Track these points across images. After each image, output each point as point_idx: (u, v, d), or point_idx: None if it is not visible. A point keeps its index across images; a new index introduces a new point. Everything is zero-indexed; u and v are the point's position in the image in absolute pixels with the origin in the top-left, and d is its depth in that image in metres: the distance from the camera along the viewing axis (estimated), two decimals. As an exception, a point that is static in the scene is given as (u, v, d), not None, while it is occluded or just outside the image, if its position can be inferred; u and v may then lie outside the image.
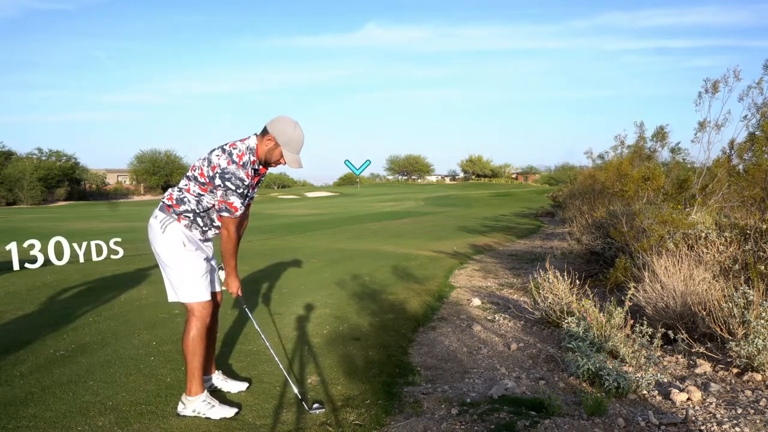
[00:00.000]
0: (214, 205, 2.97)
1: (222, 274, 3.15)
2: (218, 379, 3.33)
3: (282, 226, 18.71)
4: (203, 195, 2.94)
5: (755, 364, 3.53)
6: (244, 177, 2.85)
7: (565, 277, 5.14)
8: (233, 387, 3.32)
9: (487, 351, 4.40)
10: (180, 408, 2.97)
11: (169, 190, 3.05)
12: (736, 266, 4.98)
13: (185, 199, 2.96)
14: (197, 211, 2.97)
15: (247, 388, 3.35)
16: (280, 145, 2.92)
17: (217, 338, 3.44)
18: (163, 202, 3.01)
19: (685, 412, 3.01)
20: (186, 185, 2.97)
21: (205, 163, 2.90)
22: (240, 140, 2.94)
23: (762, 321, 3.62)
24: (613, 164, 9.92)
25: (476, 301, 6.12)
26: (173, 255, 2.93)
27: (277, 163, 3.00)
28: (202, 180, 2.90)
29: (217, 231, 3.10)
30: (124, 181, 74.13)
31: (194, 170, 2.94)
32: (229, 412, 2.96)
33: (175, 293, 3.00)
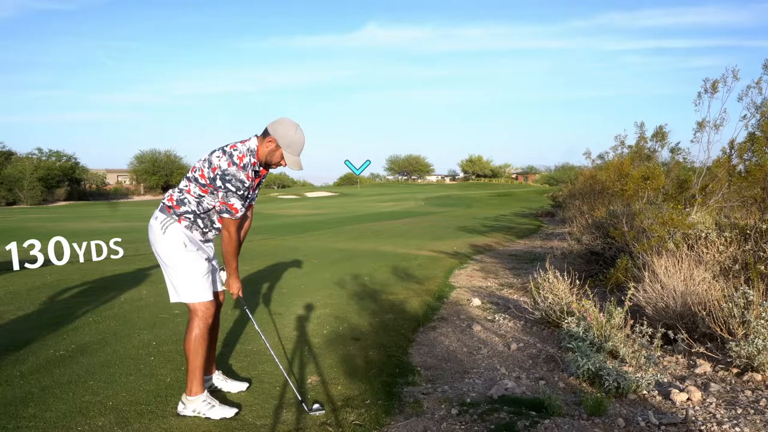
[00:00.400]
0: (214, 207, 2.97)
1: (223, 275, 3.15)
2: (218, 379, 3.33)
3: (282, 226, 18.70)
4: (204, 196, 2.94)
5: (755, 364, 3.53)
6: (245, 179, 2.86)
7: (565, 277, 5.14)
8: (233, 387, 3.32)
9: (487, 351, 4.40)
10: (180, 408, 2.97)
11: (170, 191, 3.05)
12: (736, 266, 4.98)
13: (186, 200, 2.96)
14: (198, 212, 2.97)
15: (247, 388, 3.35)
16: (281, 147, 2.92)
17: (218, 338, 3.43)
18: (164, 203, 3.01)
19: (685, 412, 3.01)
20: (186, 186, 2.97)
21: (206, 165, 2.90)
22: (240, 142, 2.94)
23: (762, 321, 3.62)
24: (613, 164, 9.91)
25: (476, 301, 6.12)
26: (174, 256, 2.93)
27: (278, 164, 3.00)
28: (203, 181, 2.90)
29: (217, 232, 3.10)
30: (124, 181, 74.09)
31: (194, 171, 2.94)
32: (229, 412, 2.96)
33: (176, 294, 3.00)
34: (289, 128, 2.91)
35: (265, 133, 2.94)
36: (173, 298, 3.02)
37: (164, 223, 2.95)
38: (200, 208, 2.96)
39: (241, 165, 2.85)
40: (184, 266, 2.93)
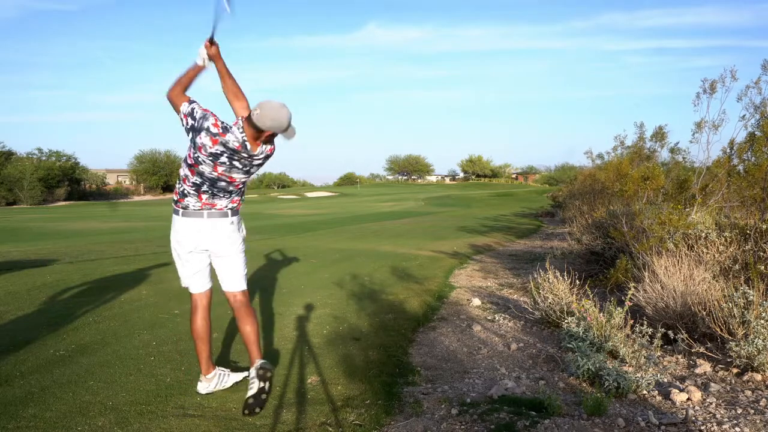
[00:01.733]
0: (199, 172, 2.96)
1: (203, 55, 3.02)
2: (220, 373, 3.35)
3: (282, 226, 18.70)
4: (183, 162, 3.04)
5: (755, 364, 3.53)
6: (210, 113, 2.92)
7: (565, 277, 5.13)
8: (234, 378, 3.38)
9: (487, 351, 4.40)
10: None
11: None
12: (736, 266, 4.98)
13: (177, 181, 3.11)
14: (188, 176, 3.00)
15: (246, 377, 3.34)
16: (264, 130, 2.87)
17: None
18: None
19: (685, 412, 3.01)
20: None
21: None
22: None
23: (762, 321, 3.62)
24: (612, 164, 9.91)
25: (476, 301, 6.12)
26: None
27: (267, 136, 2.92)
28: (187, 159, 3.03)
29: (220, 198, 3.06)
30: (124, 181, 74.16)
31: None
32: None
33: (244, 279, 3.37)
34: (270, 108, 2.81)
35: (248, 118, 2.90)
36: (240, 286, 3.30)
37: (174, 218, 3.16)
38: (183, 172, 3.05)
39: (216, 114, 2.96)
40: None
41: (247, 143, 2.89)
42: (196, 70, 3.02)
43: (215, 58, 3.03)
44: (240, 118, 2.95)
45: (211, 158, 2.89)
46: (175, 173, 64.43)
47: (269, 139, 2.97)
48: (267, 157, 3.05)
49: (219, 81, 3.09)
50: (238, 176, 3.01)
